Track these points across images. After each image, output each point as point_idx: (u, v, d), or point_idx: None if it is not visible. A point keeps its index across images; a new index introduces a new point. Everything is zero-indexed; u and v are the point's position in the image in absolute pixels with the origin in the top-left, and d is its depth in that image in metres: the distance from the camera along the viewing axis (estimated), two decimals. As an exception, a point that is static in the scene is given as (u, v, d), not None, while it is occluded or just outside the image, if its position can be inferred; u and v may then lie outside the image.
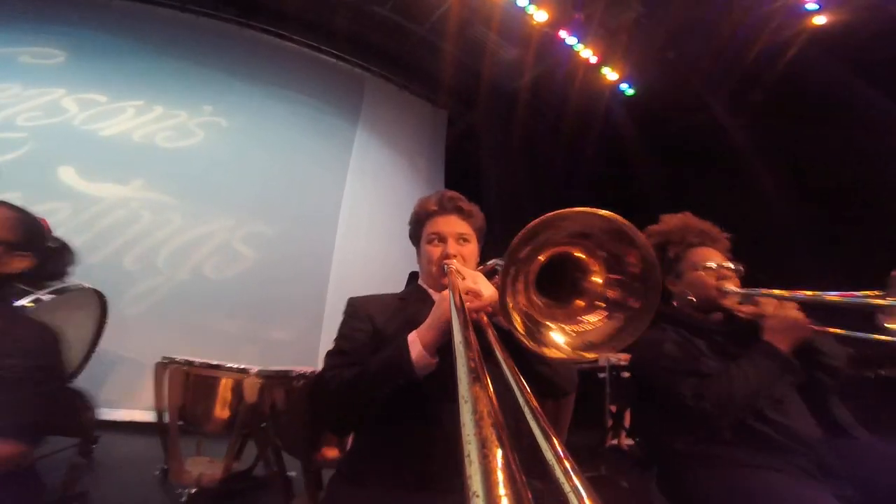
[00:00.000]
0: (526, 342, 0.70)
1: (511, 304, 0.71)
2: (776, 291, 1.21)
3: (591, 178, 6.64)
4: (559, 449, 0.44)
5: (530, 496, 0.30)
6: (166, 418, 2.23)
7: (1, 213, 0.99)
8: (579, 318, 0.74)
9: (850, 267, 3.60)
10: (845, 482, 1.00)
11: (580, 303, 0.75)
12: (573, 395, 1.74)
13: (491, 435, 0.36)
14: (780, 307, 1.18)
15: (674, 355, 1.22)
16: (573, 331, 0.73)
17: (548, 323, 0.73)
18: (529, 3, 5.16)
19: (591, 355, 0.73)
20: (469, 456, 0.34)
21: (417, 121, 6.59)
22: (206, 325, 4.25)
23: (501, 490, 0.30)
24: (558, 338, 0.72)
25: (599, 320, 0.73)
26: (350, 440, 1.20)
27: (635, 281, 0.70)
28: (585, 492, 0.38)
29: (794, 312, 1.18)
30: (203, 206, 4.57)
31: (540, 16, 5.17)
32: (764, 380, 1.07)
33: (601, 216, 0.68)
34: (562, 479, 0.40)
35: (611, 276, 0.73)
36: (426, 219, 1.25)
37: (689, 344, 1.25)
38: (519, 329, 0.70)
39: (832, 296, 1.08)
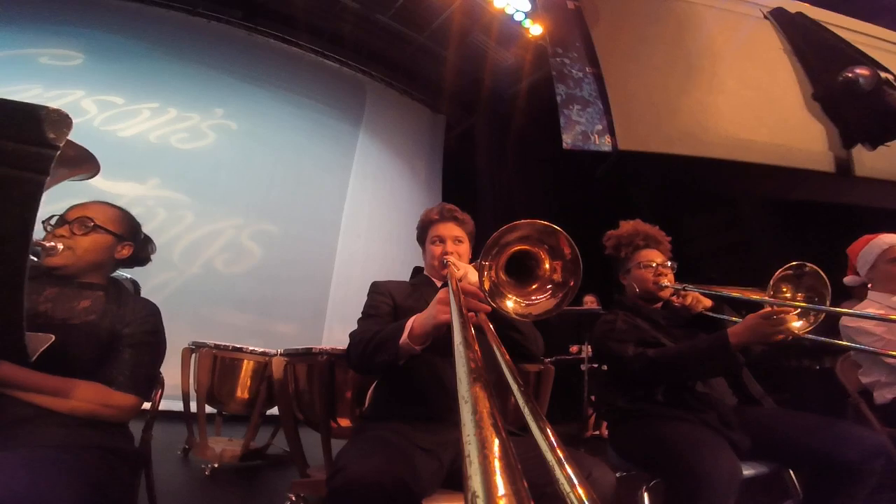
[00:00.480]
0: (487, 298, 0.99)
1: (486, 276, 0.99)
2: (689, 287, 1.59)
3: (585, 178, 6.85)
4: (542, 419, 0.51)
5: (530, 497, 0.30)
6: (195, 397, 2.49)
7: (111, 211, 1.26)
8: (531, 296, 1.02)
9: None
10: (744, 434, 1.31)
11: (534, 285, 1.02)
12: (552, 371, 2.09)
13: (491, 435, 0.36)
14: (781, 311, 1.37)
15: (623, 330, 1.56)
16: (522, 302, 1.01)
17: (506, 294, 1.02)
18: (525, 17, 5.44)
19: (528, 319, 1.02)
20: (469, 456, 0.34)
21: (417, 125, 6.86)
22: (215, 317, 4.52)
23: (501, 490, 0.30)
24: (509, 304, 1.00)
25: (544, 297, 1.01)
26: (367, 399, 1.56)
27: (570, 264, 0.97)
28: (554, 438, 0.46)
29: (698, 303, 1.55)
30: (214, 205, 4.82)
31: (535, 29, 5.44)
32: (698, 353, 1.36)
33: (539, 224, 0.97)
34: (537, 433, 0.47)
35: (553, 262, 1.00)
36: (430, 225, 1.59)
37: (634, 323, 1.59)
38: (485, 289, 0.99)
39: (732, 290, 1.46)
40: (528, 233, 0.98)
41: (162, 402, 1.43)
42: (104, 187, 4.25)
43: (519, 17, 5.42)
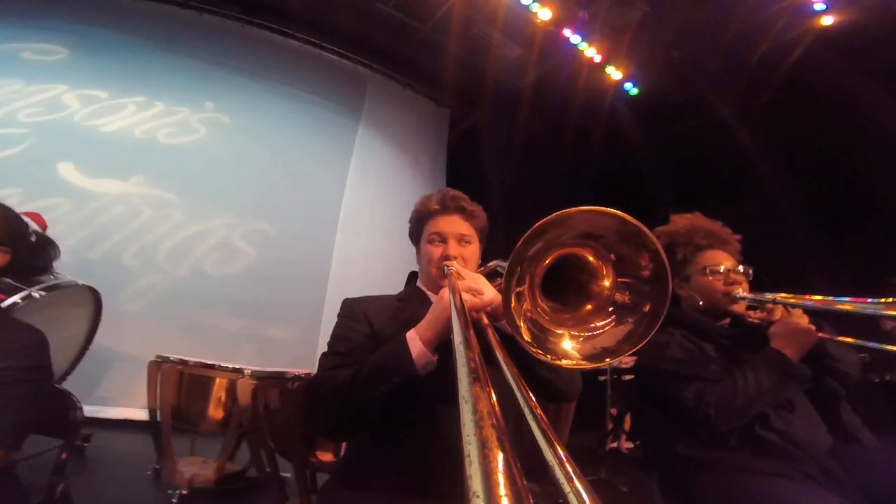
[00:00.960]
0: (533, 350, 0.66)
1: (515, 309, 0.66)
2: (784, 296, 1.19)
3: (594, 178, 6.60)
4: (560, 452, 0.43)
5: (530, 497, 0.30)
6: (160, 417, 2.22)
7: None
8: (588, 323, 0.69)
9: (852, 270, 3.58)
10: (850, 489, 0.97)
11: (588, 307, 0.70)
12: (572, 406, 1.71)
13: (491, 435, 0.36)
14: (786, 313, 1.16)
15: (679, 359, 1.20)
16: (582, 336, 0.69)
17: (555, 329, 0.69)
18: (533, 2, 5.12)
19: (601, 363, 0.68)
20: (469, 456, 0.34)
21: (420, 119, 6.56)
22: (205, 323, 4.25)
23: (502, 490, 0.30)
24: (567, 345, 0.68)
25: (608, 324, 0.68)
26: (345, 444, 1.18)
27: (645, 284, 0.65)
28: (587, 495, 0.38)
29: (800, 319, 1.16)
30: (204, 203, 4.55)
31: (544, 14, 5.12)
32: (767, 386, 1.05)
33: (612, 216, 0.63)
34: (563, 481, 0.40)
35: (620, 279, 0.68)
36: (428, 218, 1.21)
37: (696, 348, 1.23)
38: (525, 336, 0.66)
39: (844, 302, 1.05)
40: (581, 228, 0.65)
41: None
42: (85, 185, 4.02)
43: (526, 0, 5.10)
